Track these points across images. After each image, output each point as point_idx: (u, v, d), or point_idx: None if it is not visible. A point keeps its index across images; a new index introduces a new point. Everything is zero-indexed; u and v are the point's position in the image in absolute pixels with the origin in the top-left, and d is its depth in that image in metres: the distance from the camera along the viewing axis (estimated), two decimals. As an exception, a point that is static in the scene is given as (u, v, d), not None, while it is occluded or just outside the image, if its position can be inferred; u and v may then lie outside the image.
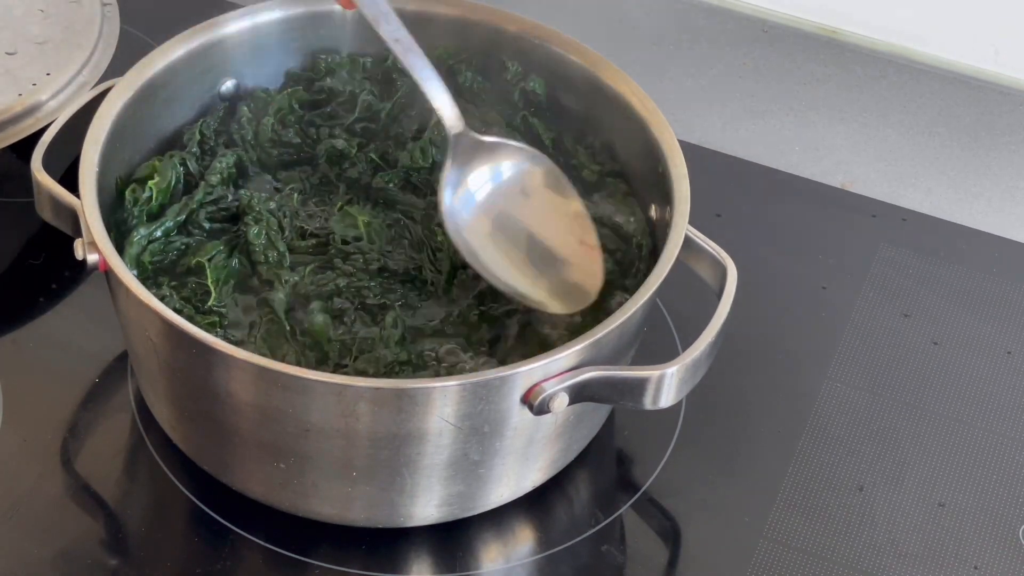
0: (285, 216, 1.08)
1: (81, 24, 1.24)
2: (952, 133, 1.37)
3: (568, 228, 1.05)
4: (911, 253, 1.24)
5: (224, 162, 1.10)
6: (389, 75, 1.16)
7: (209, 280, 1.03)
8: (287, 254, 1.06)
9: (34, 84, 1.18)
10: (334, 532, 1.01)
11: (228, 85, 1.14)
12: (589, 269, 1.04)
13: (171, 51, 1.09)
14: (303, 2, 1.14)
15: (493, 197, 1.06)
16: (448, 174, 1.05)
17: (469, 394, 0.92)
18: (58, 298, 1.15)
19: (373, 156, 1.13)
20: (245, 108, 1.13)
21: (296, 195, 1.10)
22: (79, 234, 0.99)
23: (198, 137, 1.11)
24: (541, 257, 1.05)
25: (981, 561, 1.04)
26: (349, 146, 1.13)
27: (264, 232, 1.06)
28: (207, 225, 1.07)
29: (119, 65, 1.17)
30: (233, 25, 1.12)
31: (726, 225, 1.22)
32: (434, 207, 1.08)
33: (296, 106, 1.14)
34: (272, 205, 1.08)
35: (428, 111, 1.09)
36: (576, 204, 1.06)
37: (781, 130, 1.36)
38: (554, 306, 1.02)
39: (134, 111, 1.06)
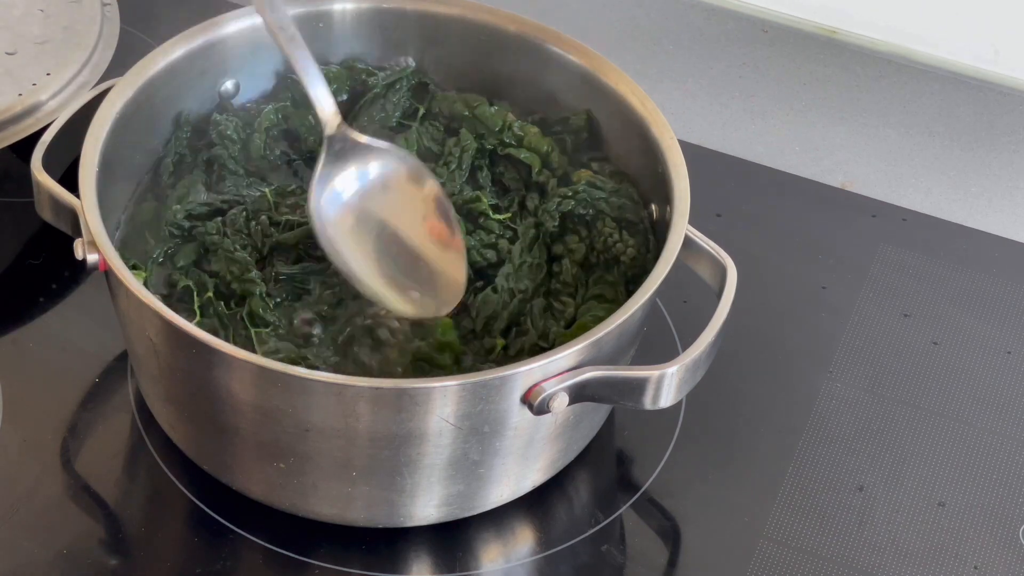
0: (258, 223, 1.07)
1: (81, 24, 1.24)
2: (952, 133, 1.37)
3: (434, 228, 1.03)
4: (911, 253, 1.24)
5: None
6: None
7: (195, 304, 1.03)
8: (253, 264, 1.04)
9: (34, 84, 1.18)
10: (334, 532, 1.01)
11: (228, 85, 1.14)
12: (454, 272, 1.02)
13: (171, 51, 1.09)
14: (303, 2, 1.14)
15: (363, 198, 1.03)
16: (320, 173, 1.01)
17: (469, 394, 0.92)
18: (58, 298, 1.15)
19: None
20: (230, 126, 1.12)
21: (290, 199, 1.10)
22: (79, 234, 0.99)
23: (171, 168, 1.10)
24: (410, 259, 1.02)
25: (981, 561, 1.04)
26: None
27: (225, 258, 1.04)
28: (186, 224, 1.07)
29: (119, 65, 1.17)
30: (233, 25, 1.12)
31: (726, 225, 1.22)
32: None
33: (282, 119, 1.14)
34: (243, 236, 1.07)
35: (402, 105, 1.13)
36: (441, 202, 1.04)
37: (781, 130, 1.36)
38: (418, 311, 1.00)
39: (134, 111, 1.06)
